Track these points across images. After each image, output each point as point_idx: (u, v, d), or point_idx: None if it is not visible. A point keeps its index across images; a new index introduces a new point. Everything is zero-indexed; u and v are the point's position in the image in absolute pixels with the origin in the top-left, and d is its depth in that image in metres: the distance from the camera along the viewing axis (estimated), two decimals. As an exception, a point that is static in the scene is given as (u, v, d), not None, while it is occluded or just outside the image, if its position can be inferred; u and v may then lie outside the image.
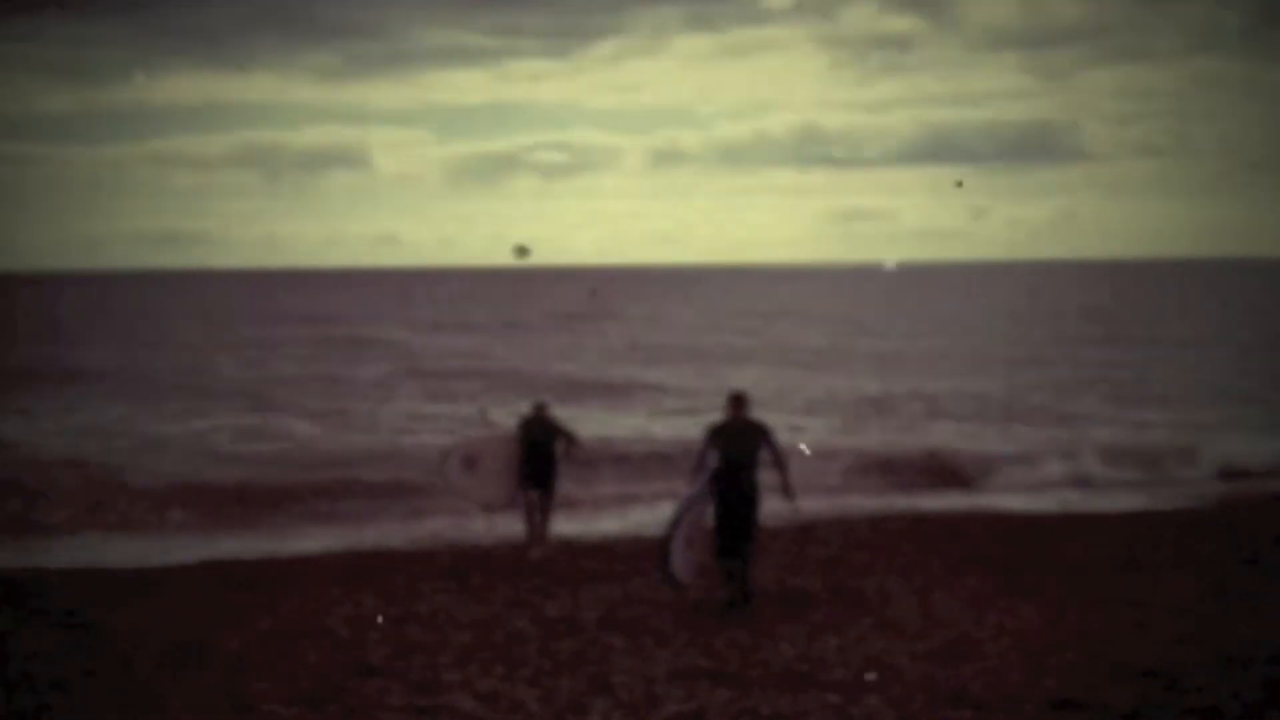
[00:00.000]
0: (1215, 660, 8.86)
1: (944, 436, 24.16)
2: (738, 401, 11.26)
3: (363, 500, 19.04)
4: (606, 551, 13.78)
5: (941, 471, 20.75)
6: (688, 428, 23.95)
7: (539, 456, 13.79)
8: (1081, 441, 22.54)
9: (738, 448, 10.99)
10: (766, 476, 10.95)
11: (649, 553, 12.73)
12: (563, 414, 15.26)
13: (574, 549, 13.93)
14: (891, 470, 20.89)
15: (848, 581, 11.76)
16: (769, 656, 9.17)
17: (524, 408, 14.61)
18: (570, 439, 13.98)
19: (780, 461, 11.01)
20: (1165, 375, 35.31)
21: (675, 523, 10.84)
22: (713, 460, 10.92)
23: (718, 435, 11.09)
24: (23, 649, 9.70)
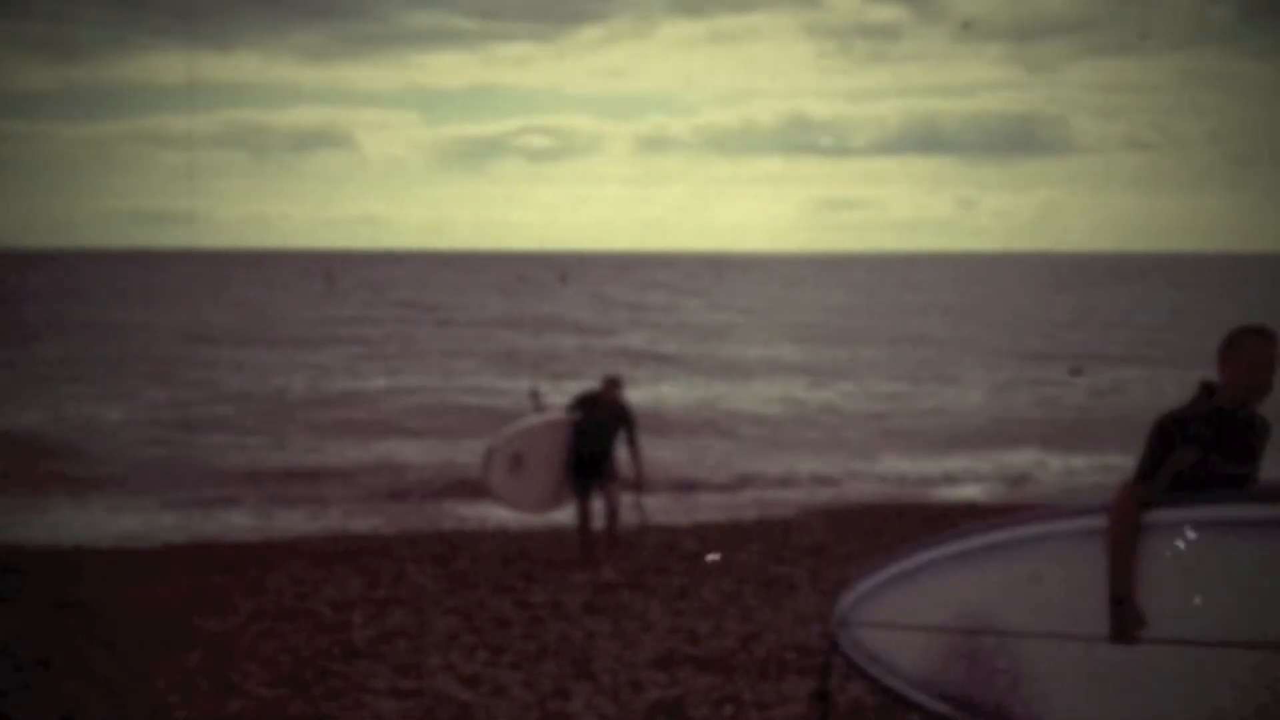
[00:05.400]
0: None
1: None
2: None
3: (346, 482, 19.03)
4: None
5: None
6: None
7: (598, 446, 11.67)
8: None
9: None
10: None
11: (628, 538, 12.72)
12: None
13: (561, 535, 13.93)
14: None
15: (831, 570, 11.78)
16: (753, 643, 9.18)
17: (591, 382, 12.27)
18: (632, 433, 11.68)
19: None
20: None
21: None
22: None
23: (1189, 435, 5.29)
24: (4, 626, 9.68)
